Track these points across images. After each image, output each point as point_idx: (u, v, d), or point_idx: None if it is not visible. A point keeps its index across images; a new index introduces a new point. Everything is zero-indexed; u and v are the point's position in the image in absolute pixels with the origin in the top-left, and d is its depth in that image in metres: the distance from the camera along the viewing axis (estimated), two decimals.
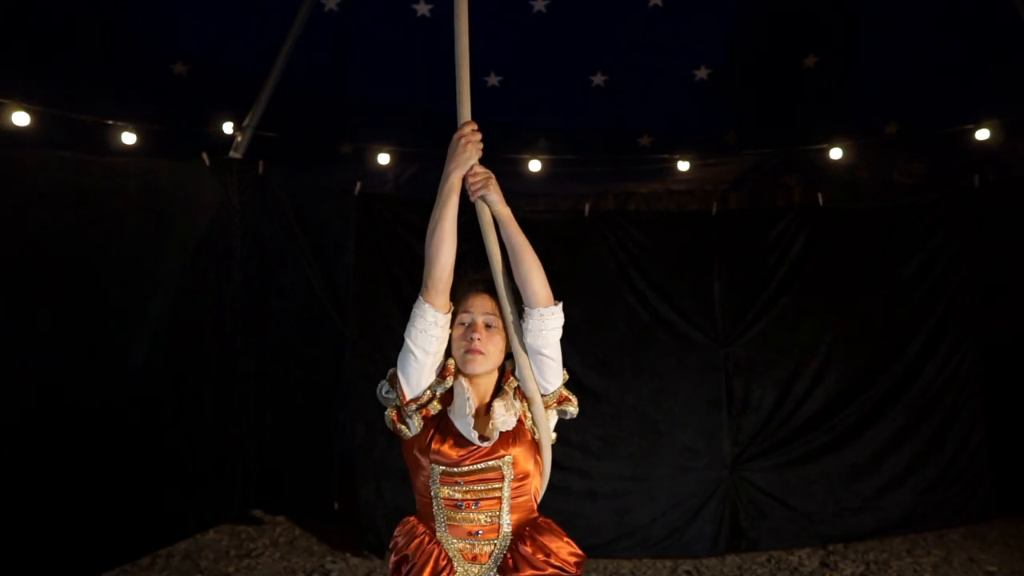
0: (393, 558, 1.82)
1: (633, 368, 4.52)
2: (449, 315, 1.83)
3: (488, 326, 1.84)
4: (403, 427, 1.80)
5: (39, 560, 3.42)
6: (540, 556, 1.77)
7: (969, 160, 5.90)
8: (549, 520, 1.88)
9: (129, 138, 4.00)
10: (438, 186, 1.84)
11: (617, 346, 4.53)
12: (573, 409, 1.90)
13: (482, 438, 1.75)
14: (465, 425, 1.76)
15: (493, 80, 6.23)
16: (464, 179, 1.85)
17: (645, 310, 4.57)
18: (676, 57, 6.40)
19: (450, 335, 1.84)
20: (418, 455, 1.80)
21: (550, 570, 1.77)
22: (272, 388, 4.52)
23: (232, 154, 4.43)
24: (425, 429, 1.80)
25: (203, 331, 4.22)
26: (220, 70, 5.72)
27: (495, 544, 1.80)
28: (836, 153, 5.75)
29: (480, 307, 1.86)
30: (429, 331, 1.78)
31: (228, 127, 4.61)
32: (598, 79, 6.32)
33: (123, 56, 5.29)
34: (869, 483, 4.48)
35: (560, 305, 1.85)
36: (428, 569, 1.75)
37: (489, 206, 1.87)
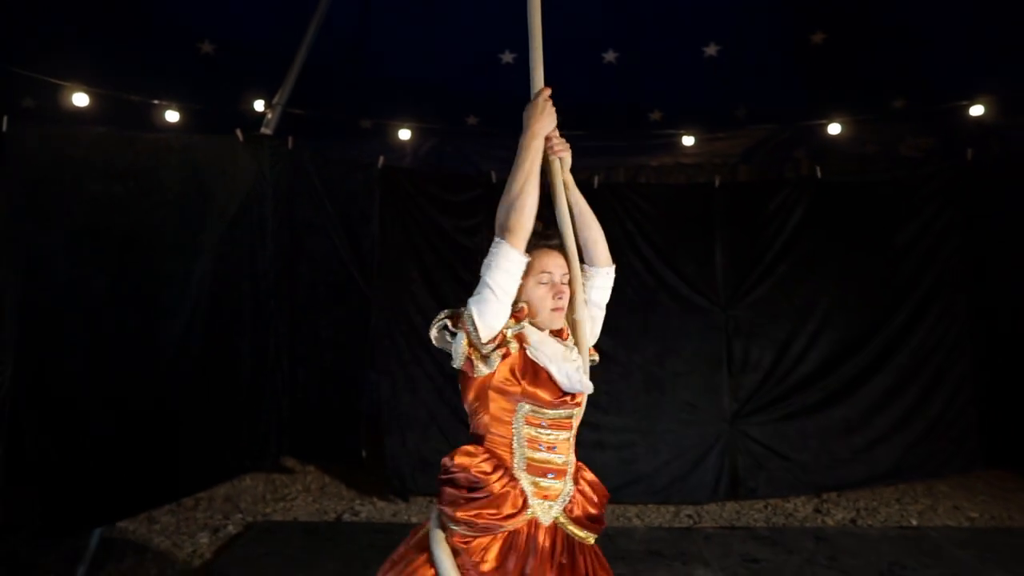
0: (463, 463, 1.83)
1: (640, 329, 4.81)
2: (527, 260, 1.86)
3: (564, 282, 1.95)
4: (481, 365, 1.79)
5: (100, 498, 3.77)
6: (585, 498, 1.90)
7: (974, 134, 6.07)
8: (584, 465, 2.00)
9: (172, 116, 4.29)
10: (520, 142, 1.93)
11: (625, 309, 4.79)
12: (596, 358, 2.05)
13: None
14: (571, 373, 1.83)
15: (508, 58, 6.45)
16: (547, 140, 1.97)
17: (651, 275, 4.85)
18: (686, 34, 6.54)
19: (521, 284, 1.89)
20: (497, 393, 1.84)
21: (595, 510, 1.91)
22: (303, 347, 4.83)
23: (263, 130, 4.72)
24: (512, 368, 1.83)
25: (240, 294, 4.52)
26: (244, 49, 5.97)
27: (563, 484, 1.88)
28: (834, 128, 5.92)
29: (559, 267, 1.94)
30: (513, 272, 1.81)
31: (259, 105, 4.89)
32: (610, 56, 6.50)
33: (156, 37, 5.59)
34: (861, 437, 4.76)
35: (614, 267, 2.07)
36: (508, 504, 1.78)
37: (563, 165, 2.01)
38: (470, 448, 1.86)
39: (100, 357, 3.80)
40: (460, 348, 1.79)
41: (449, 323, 1.84)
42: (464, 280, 4.86)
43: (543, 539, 1.81)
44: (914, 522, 4.41)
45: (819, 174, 4.93)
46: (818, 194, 4.85)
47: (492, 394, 1.84)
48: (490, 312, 1.79)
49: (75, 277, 3.72)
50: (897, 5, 6.43)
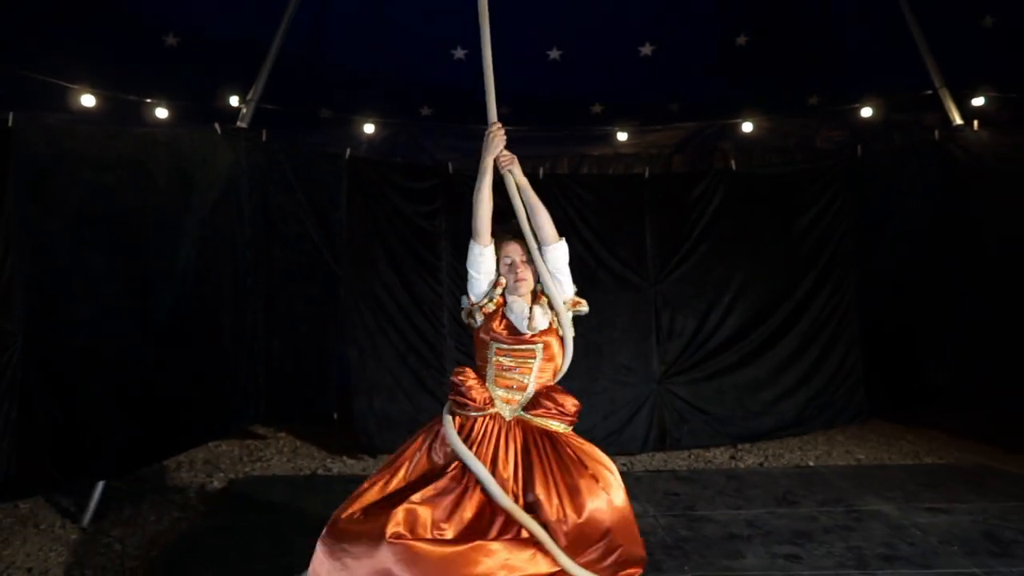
0: (459, 378, 2.74)
1: None
2: (491, 246, 2.77)
3: (524, 261, 2.79)
4: (471, 320, 2.80)
5: (101, 455, 4.16)
6: (549, 403, 2.70)
7: (878, 128, 6.86)
8: (560, 387, 2.81)
9: (162, 113, 4.67)
10: (478, 167, 2.81)
11: None
12: (584, 308, 2.85)
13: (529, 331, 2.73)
14: (521, 323, 2.71)
15: (459, 54, 6.92)
16: (496, 160, 2.78)
17: (591, 256, 5.48)
18: (624, 35, 7.12)
19: (498, 265, 2.80)
20: (483, 336, 2.77)
21: (555, 410, 2.70)
22: (278, 320, 5.25)
23: (239, 124, 5.13)
24: (487, 321, 2.75)
25: (221, 273, 4.94)
26: (208, 41, 6.29)
27: (523, 395, 2.73)
28: (755, 123, 6.63)
29: (515, 251, 2.80)
30: (479, 258, 2.77)
31: (235, 100, 5.31)
32: (554, 54, 7.04)
33: (121, 28, 5.87)
34: (769, 393, 5.50)
35: (563, 240, 2.79)
36: (480, 401, 2.68)
37: (514, 177, 2.81)
38: (464, 368, 2.80)
39: (99, 329, 4.14)
40: (463, 310, 2.86)
41: (465, 300, 2.86)
42: (425, 259, 5.42)
43: (502, 425, 2.71)
44: (811, 463, 5.18)
45: (734, 166, 5.63)
46: (733, 184, 5.55)
47: (478, 337, 2.82)
48: (472, 287, 2.82)
49: (75, 257, 4.06)
50: (812, 11, 7.17)
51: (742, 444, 5.55)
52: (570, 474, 2.58)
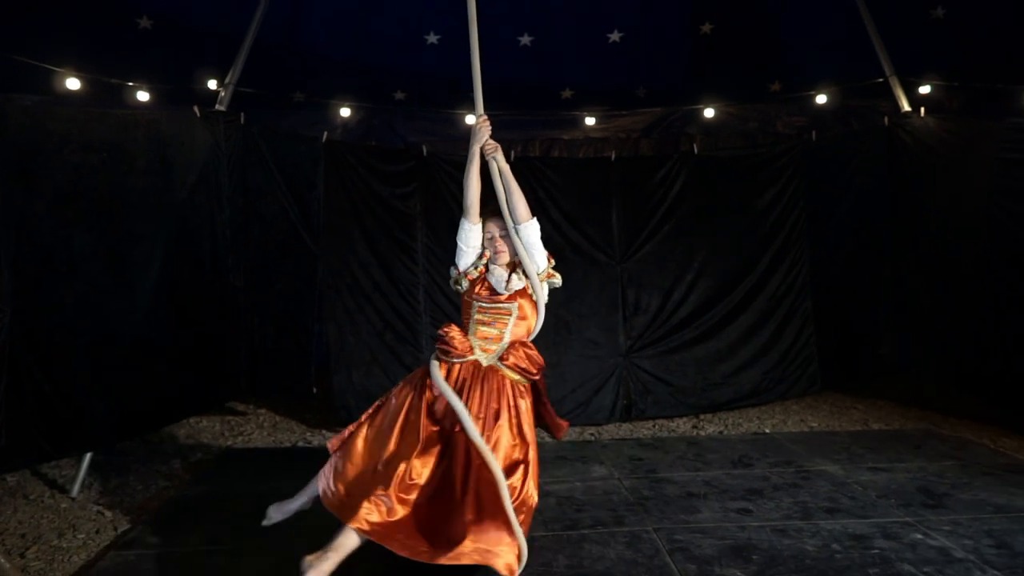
0: (444, 330, 3.15)
1: None
2: (479, 224, 3.19)
3: (502, 236, 3.17)
4: (458, 287, 3.24)
5: (87, 427, 4.28)
6: (521, 354, 3.09)
7: (837, 114, 7.16)
8: (534, 345, 3.18)
9: (143, 96, 4.77)
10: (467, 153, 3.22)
11: None
12: (557, 280, 3.22)
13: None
14: (499, 285, 3.16)
15: (432, 39, 7.09)
16: (482, 147, 3.17)
17: (559, 235, 5.71)
18: (593, 22, 7.34)
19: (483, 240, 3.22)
20: (467, 298, 3.20)
21: (525, 361, 3.08)
22: (258, 298, 5.40)
23: (218, 107, 5.25)
24: (472, 286, 3.18)
25: (201, 252, 5.06)
26: (181, 24, 6.39)
27: (499, 345, 3.12)
28: (718, 109, 6.89)
29: (496, 227, 3.19)
30: (468, 233, 3.19)
31: (212, 84, 5.43)
32: (525, 40, 7.25)
33: (96, 14, 5.94)
34: (728, 365, 5.80)
35: (535, 219, 3.14)
36: (461, 349, 3.07)
37: (497, 163, 3.18)
38: (450, 324, 3.19)
39: (84, 305, 4.25)
40: (451, 279, 3.28)
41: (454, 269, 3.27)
42: (399, 239, 5.61)
43: (481, 370, 3.10)
44: (767, 431, 5.50)
45: (696, 150, 5.88)
46: (695, 167, 5.81)
47: (464, 299, 3.25)
48: (460, 258, 3.23)
49: (60, 235, 4.16)
50: (773, 1, 7.43)
51: (703, 414, 5.84)
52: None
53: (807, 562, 3.24)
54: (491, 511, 2.79)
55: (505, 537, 2.78)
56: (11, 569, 3.28)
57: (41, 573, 3.33)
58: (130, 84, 4.72)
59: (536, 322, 3.22)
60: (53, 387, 4.14)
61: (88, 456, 4.41)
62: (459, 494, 2.84)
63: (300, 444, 5.32)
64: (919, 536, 3.48)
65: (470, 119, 6.63)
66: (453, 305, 5.68)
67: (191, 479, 4.57)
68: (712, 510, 3.87)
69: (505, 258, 3.19)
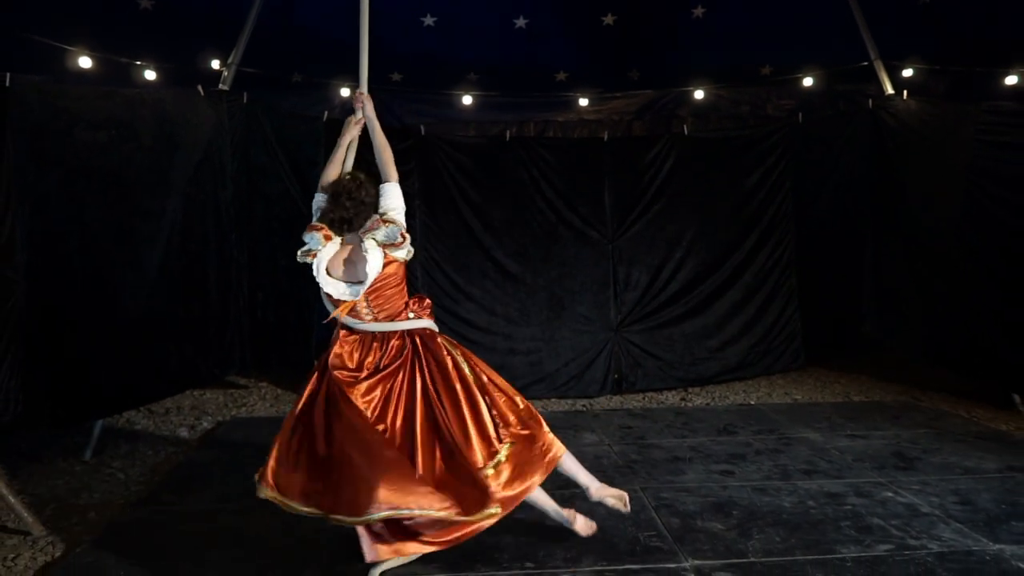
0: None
1: (543, 257, 5.86)
2: None
3: None
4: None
5: (98, 396, 4.45)
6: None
7: (825, 97, 7.31)
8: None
9: (150, 75, 4.90)
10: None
11: (531, 240, 5.85)
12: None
13: None
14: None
15: (429, 20, 7.19)
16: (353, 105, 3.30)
17: (552, 213, 5.88)
18: (587, 4, 7.45)
19: None
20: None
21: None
22: (262, 273, 5.57)
23: (221, 87, 5.39)
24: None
25: (206, 229, 5.22)
26: (180, 4, 6.48)
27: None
28: (709, 91, 7.04)
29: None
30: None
31: (215, 64, 5.56)
32: (520, 23, 7.34)
33: None
34: (716, 340, 6.01)
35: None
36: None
37: (366, 119, 3.31)
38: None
39: (95, 278, 4.41)
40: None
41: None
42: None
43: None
44: (752, 402, 5.72)
45: (686, 131, 6.05)
46: (685, 147, 5.98)
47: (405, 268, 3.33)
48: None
49: (71, 210, 4.30)
50: None
51: (691, 387, 6.05)
52: None
53: (783, 516, 3.46)
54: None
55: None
56: (33, 523, 3.46)
57: (60, 528, 3.52)
58: (137, 63, 4.83)
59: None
60: (66, 357, 4.30)
61: (100, 423, 4.59)
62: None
63: None
64: (889, 494, 3.70)
65: (466, 99, 6.80)
66: (450, 281, 5.87)
67: (199, 445, 4.77)
68: (696, 472, 4.08)
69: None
